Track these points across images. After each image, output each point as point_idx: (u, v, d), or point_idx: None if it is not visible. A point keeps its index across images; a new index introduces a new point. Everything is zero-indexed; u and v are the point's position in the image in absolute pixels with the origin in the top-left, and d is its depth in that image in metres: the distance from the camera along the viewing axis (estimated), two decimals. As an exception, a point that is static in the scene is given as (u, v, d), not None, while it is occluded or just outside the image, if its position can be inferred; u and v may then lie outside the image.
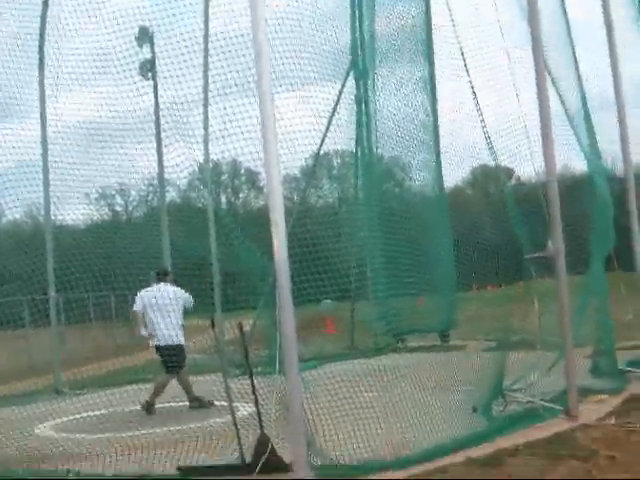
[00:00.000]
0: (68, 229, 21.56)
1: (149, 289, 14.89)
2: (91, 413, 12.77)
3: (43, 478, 9.79)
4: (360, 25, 13.96)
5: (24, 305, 23.60)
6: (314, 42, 11.24)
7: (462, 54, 13.65)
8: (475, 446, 9.38)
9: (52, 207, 18.25)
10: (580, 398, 11.32)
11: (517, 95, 13.35)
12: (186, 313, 14.80)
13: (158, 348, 14.59)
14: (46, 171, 17.32)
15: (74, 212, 18.24)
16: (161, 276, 15.13)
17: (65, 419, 13.16)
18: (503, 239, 15.64)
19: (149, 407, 14.11)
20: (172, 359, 14.27)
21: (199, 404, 14.21)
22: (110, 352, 26.53)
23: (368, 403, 10.32)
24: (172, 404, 14.31)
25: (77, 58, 14.88)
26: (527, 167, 13.55)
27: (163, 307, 14.49)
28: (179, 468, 9.42)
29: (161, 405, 14.22)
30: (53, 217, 18.77)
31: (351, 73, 14.01)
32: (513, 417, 10.89)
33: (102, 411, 12.66)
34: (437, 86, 15.72)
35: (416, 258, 13.96)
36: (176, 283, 15.04)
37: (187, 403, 14.44)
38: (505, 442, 9.55)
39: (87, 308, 27.28)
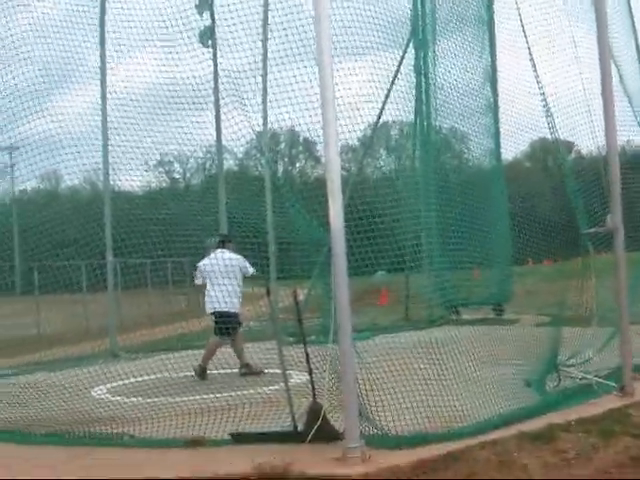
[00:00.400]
0: (126, 195, 21.75)
1: (209, 257, 15.00)
2: (146, 377, 12.88)
3: (98, 440, 9.94)
4: (421, -6, 13.86)
5: (82, 270, 23.87)
6: (374, 10, 11.16)
7: (522, 25, 13.46)
8: (527, 421, 9.35)
9: (111, 173, 18.41)
10: (635, 375, 11.22)
11: (579, 68, 13.18)
12: (247, 280, 14.84)
13: (212, 313, 14.73)
14: (105, 137, 17.44)
15: (132, 178, 18.39)
16: (221, 243, 15.25)
17: (120, 382, 13.30)
18: (561, 213, 15.47)
19: (202, 371, 14.24)
20: (224, 325, 14.36)
21: (249, 371, 14.30)
22: (165, 318, 26.78)
23: (420, 375, 10.31)
24: (226, 371, 14.40)
25: (137, 25, 14.94)
26: (587, 141, 13.39)
27: (218, 274, 14.58)
28: (231, 434, 9.51)
29: (215, 371, 14.32)
30: (112, 183, 18.94)
31: (411, 43, 13.91)
32: (566, 393, 10.82)
33: (156, 375, 12.77)
34: (497, 57, 15.59)
35: (472, 230, 13.89)
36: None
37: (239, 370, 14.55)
38: (558, 417, 9.51)
39: (144, 274, 27.52)
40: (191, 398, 11.44)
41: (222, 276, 14.47)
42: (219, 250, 14.97)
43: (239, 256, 14.81)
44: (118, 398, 12.56)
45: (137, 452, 9.38)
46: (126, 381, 13.24)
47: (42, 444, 9.97)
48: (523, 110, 14.58)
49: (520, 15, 13.51)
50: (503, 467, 7.93)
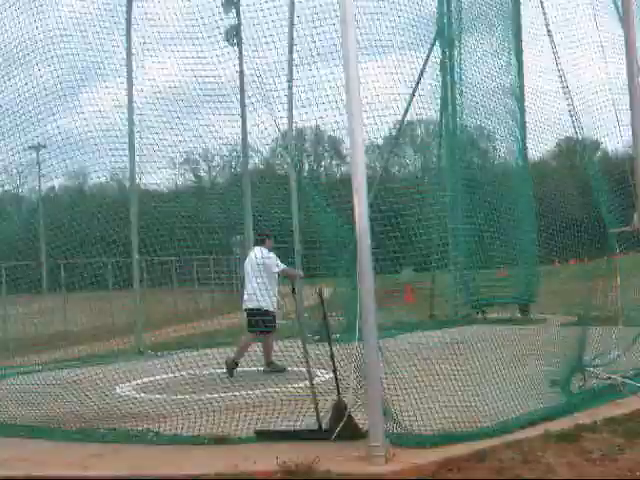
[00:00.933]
0: (152, 193, 21.85)
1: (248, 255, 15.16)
2: (171, 375, 12.94)
3: (124, 437, 10.00)
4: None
5: (108, 267, 23.98)
6: (399, 9, 11.17)
7: (547, 25, 13.43)
8: (553, 420, 9.32)
9: (137, 171, 18.48)
10: (662, 375, 11.18)
11: (605, 67, 13.13)
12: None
13: (245, 310, 14.82)
14: (131, 135, 17.52)
15: (158, 176, 18.48)
16: (257, 240, 15.35)
17: (145, 380, 13.37)
18: (587, 213, 15.42)
19: (233, 366, 14.26)
20: (254, 322, 14.40)
21: (273, 369, 14.33)
22: (191, 315, 26.86)
23: (445, 373, 10.30)
24: (251, 368, 14.44)
25: (164, 23, 14.99)
26: (614, 140, 13.34)
27: (250, 271, 14.67)
28: (256, 432, 9.54)
29: (240, 369, 14.35)
30: (138, 181, 19.02)
31: (437, 41, 13.91)
32: (592, 393, 10.78)
33: (182, 373, 12.82)
34: (523, 55, 15.55)
35: (498, 229, 13.88)
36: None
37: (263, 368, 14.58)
38: (583, 418, 9.47)
39: (169, 271, 27.63)
40: (216, 395, 11.46)
41: (254, 274, 14.50)
42: (256, 248, 15.04)
43: (271, 254, 14.81)
44: (143, 395, 12.61)
45: (162, 449, 9.42)
46: (151, 378, 13.30)
47: (71, 440, 10.04)
48: (549, 109, 14.54)
49: (545, 13, 13.48)
50: (528, 466, 7.92)
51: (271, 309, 14.61)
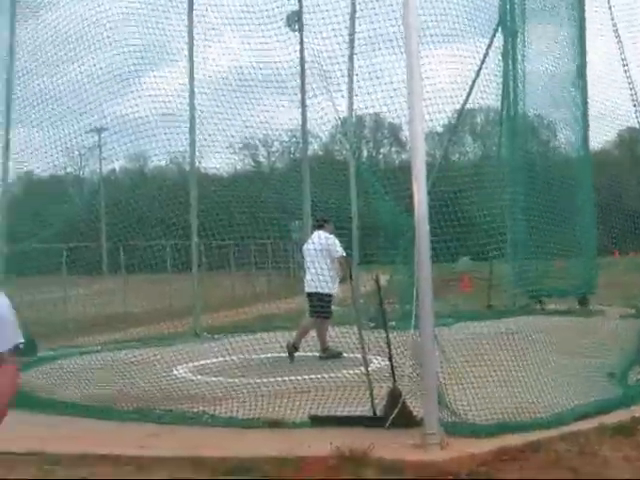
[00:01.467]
0: (211, 177, 21.96)
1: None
2: (228, 358, 13.02)
3: (180, 418, 10.11)
4: (509, -19, 13.74)
5: (167, 250, 24.17)
6: (462, -2, 11.11)
7: (611, 13, 13.27)
8: (609, 413, 9.25)
9: (197, 155, 18.59)
10: None
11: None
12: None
13: (306, 294, 14.88)
14: (192, 119, 17.61)
15: (218, 161, 18.57)
16: (317, 224, 15.38)
17: (203, 362, 13.47)
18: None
19: (293, 350, 14.33)
20: (314, 306, 14.45)
21: (328, 354, 14.35)
22: (248, 299, 27.00)
23: (501, 363, 10.26)
24: (307, 354, 14.48)
25: (225, 8, 15.05)
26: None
27: (309, 255, 14.71)
28: (310, 417, 9.58)
29: (296, 354, 14.39)
30: (197, 165, 19.14)
31: (499, 29, 13.81)
32: (650, 386, 10.67)
33: (239, 356, 12.90)
34: (586, 46, 15.38)
35: (557, 219, 13.77)
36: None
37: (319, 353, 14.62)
38: (640, 411, 9.39)
39: (227, 255, 27.78)
40: (272, 380, 11.54)
41: (314, 258, 14.54)
42: (315, 232, 15.07)
43: (332, 238, 14.81)
44: (200, 377, 12.72)
45: (218, 431, 9.52)
46: (208, 361, 13.40)
47: (127, 420, 10.18)
48: (612, 98, 14.39)
49: (609, 2, 13.33)
50: (584, 459, 7.87)
51: (332, 292, 14.65)
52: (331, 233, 15.02)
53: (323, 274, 14.32)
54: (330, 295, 14.59)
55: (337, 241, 14.79)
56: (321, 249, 14.58)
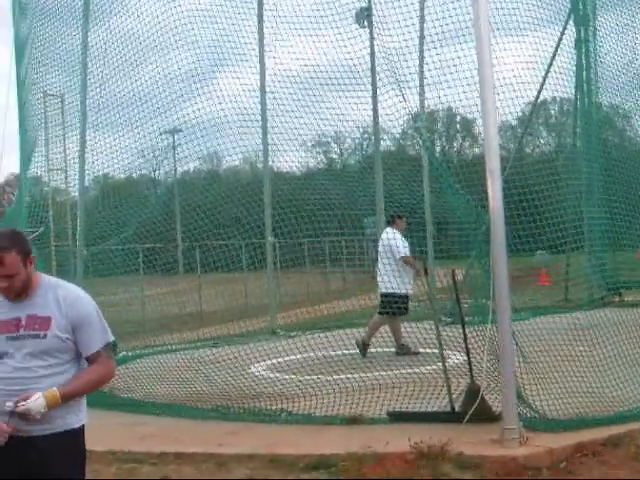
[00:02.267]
0: (285, 175, 22.04)
1: None
2: (304, 355, 13.06)
3: (258, 416, 10.17)
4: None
5: (242, 249, 24.32)
6: (533, -13, 11.00)
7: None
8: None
9: (270, 154, 18.68)
10: None
11: None
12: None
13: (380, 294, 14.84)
14: (264, 118, 17.69)
15: (291, 159, 18.63)
16: (388, 221, 15.31)
17: (279, 360, 13.53)
18: None
19: (364, 347, 14.33)
20: (384, 305, 14.40)
21: (405, 351, 14.28)
22: (323, 296, 27.05)
23: (580, 357, 10.13)
24: (384, 349, 14.46)
25: (295, 5, 15.09)
26: None
27: (380, 252, 14.68)
28: (389, 413, 9.58)
29: (372, 350, 14.39)
30: (271, 164, 19.22)
31: (571, 18, 13.63)
32: None
33: (314, 353, 12.92)
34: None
35: (635, 210, 13.55)
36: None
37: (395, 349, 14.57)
38: None
39: (302, 253, 27.84)
40: (349, 376, 11.53)
41: (382, 255, 14.50)
42: (386, 229, 14.96)
43: (398, 236, 14.66)
44: (277, 375, 12.78)
45: (295, 428, 9.57)
46: (285, 358, 13.45)
47: (205, 419, 10.27)
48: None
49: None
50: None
51: (400, 292, 14.48)
52: (403, 229, 14.91)
53: (388, 273, 14.22)
54: (402, 295, 14.44)
55: (400, 239, 14.62)
56: (384, 248, 14.51)
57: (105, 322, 4.86)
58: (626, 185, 13.80)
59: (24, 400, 4.52)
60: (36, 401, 4.53)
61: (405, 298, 14.51)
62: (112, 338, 4.88)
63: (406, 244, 14.67)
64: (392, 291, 14.27)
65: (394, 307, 14.20)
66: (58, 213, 18.32)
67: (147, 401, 11.39)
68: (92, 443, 5.09)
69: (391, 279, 14.18)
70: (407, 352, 14.16)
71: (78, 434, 4.79)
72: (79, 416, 4.81)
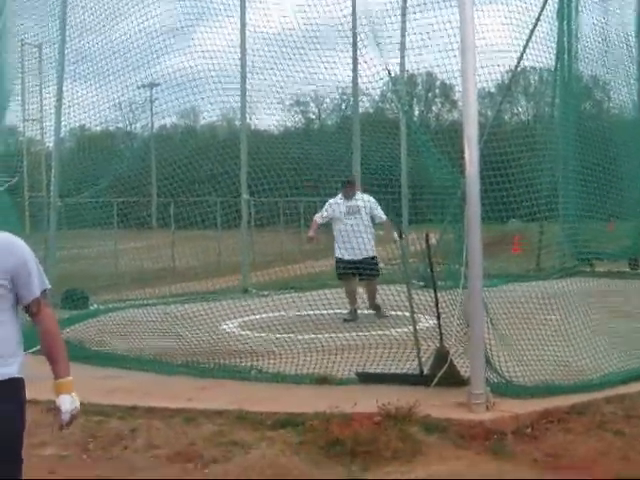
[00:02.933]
0: (262, 134, 21.97)
1: None
2: (276, 314, 13.10)
3: (228, 372, 10.20)
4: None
5: (216, 206, 24.25)
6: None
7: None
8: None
9: (248, 111, 18.60)
10: None
11: None
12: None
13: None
14: (243, 76, 17.60)
15: (269, 117, 18.56)
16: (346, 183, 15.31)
17: (251, 318, 13.55)
18: None
19: (378, 309, 14.38)
20: (372, 268, 14.45)
21: (378, 313, 14.36)
22: (297, 256, 27.04)
23: (548, 325, 10.22)
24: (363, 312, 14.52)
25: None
26: None
27: (360, 217, 14.69)
28: (357, 374, 9.63)
29: (345, 311, 14.42)
30: (248, 121, 19.15)
31: (554, -13, 13.60)
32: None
33: (285, 313, 12.96)
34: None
35: (609, 182, 13.60)
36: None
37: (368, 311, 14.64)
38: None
39: (277, 212, 27.82)
40: (319, 336, 11.57)
41: (366, 219, 14.53)
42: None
43: (371, 199, 14.75)
44: (248, 332, 12.80)
45: (265, 386, 9.61)
46: (257, 316, 13.48)
47: (176, 374, 10.30)
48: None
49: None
50: (630, 422, 7.85)
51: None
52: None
53: (371, 237, 14.43)
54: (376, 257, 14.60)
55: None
56: (367, 211, 14.56)
57: (41, 268, 4.75)
58: (602, 157, 13.84)
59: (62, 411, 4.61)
60: (72, 404, 4.64)
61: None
62: (49, 285, 4.78)
63: None
64: (375, 254, 14.42)
65: (380, 269, 14.37)
66: (33, 164, 18.24)
67: (117, 355, 11.40)
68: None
69: (372, 242, 14.34)
70: (378, 314, 14.25)
71: (19, 381, 4.68)
72: (19, 368, 4.68)
